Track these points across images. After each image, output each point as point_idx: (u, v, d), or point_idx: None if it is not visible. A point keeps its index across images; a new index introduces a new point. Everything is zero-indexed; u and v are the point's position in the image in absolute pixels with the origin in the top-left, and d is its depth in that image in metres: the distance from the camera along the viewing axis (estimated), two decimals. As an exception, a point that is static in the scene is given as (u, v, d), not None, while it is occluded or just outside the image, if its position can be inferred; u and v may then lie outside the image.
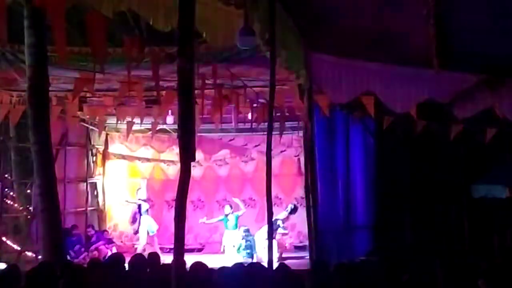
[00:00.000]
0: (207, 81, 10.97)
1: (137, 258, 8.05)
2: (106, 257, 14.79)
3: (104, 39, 6.36)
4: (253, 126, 13.73)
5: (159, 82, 9.59)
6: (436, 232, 14.42)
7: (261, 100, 12.68)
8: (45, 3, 6.49)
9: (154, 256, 8.55)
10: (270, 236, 8.48)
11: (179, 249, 5.11)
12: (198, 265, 7.40)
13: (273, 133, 9.08)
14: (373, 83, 11.06)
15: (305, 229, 15.93)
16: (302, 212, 16.57)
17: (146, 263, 7.93)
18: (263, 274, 7.11)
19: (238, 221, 16.83)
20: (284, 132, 15.17)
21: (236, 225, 16.74)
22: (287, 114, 14.05)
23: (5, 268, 8.11)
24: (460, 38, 9.91)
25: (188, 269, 6.76)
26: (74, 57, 10.59)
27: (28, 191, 16.51)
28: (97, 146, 18.25)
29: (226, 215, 16.85)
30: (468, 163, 14.61)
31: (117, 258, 8.14)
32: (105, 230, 17.56)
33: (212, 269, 7.38)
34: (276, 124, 12.24)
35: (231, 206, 17.08)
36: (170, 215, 17.30)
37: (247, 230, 16.62)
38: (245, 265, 7.61)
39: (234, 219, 16.77)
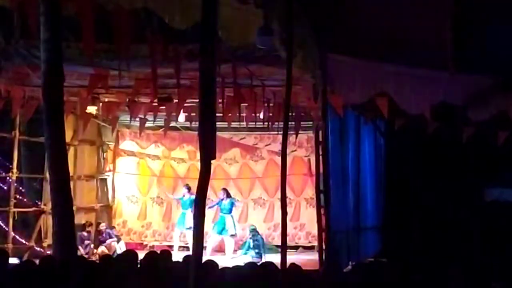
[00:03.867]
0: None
1: (150, 255, 8.06)
2: (115, 254, 14.87)
3: (128, 36, 6.33)
4: (265, 125, 13.71)
5: (179, 80, 9.56)
6: (446, 234, 14.39)
7: (276, 100, 12.67)
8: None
9: (166, 253, 8.58)
10: (284, 237, 8.40)
11: (198, 247, 5.11)
12: (210, 264, 7.39)
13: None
14: (387, 84, 11.06)
15: (314, 230, 15.96)
16: (311, 213, 16.59)
17: (159, 259, 7.94)
18: (275, 274, 7.08)
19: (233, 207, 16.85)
20: (295, 132, 15.16)
21: (230, 210, 16.67)
22: (302, 114, 14.02)
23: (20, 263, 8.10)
24: (476, 41, 9.90)
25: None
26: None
27: (38, 186, 16.54)
28: (107, 143, 18.28)
29: (221, 200, 16.72)
30: (480, 166, 14.57)
31: (130, 254, 8.14)
32: (113, 227, 17.59)
33: (224, 268, 7.38)
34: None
35: (225, 190, 17.00)
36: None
37: (254, 229, 16.57)
38: (258, 264, 7.59)
39: (229, 204, 16.69)
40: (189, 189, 16.85)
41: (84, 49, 7.91)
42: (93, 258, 14.58)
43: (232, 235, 16.53)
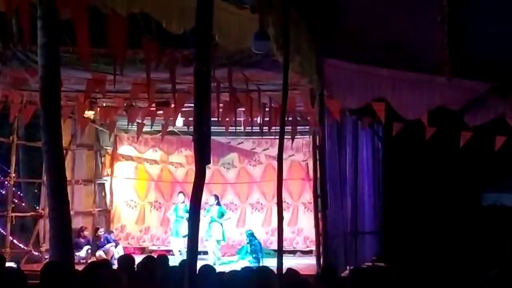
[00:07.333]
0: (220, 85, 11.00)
1: (147, 260, 8.06)
2: (113, 258, 14.85)
3: (124, 41, 6.34)
4: (263, 130, 13.71)
5: (175, 85, 9.58)
6: (443, 239, 14.41)
7: (272, 104, 12.69)
8: (67, 4, 6.47)
9: (163, 257, 8.58)
10: (281, 242, 8.40)
11: (193, 252, 5.11)
12: (206, 269, 7.40)
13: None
14: (384, 90, 11.10)
15: (311, 234, 15.94)
16: (309, 217, 16.59)
17: (156, 264, 7.94)
18: (272, 279, 7.07)
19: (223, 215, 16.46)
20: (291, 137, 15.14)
21: (221, 216, 16.31)
22: (298, 118, 14.03)
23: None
24: (473, 46, 9.93)
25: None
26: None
27: (36, 190, 16.54)
28: (105, 147, 18.29)
29: (210, 206, 16.30)
30: (477, 171, 14.59)
31: (128, 259, 8.14)
32: (112, 231, 17.59)
33: (221, 273, 7.38)
34: (286, 128, 12.23)
35: (216, 197, 16.69)
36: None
37: (252, 234, 16.52)
38: (254, 269, 7.59)
39: (218, 211, 16.29)
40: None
41: (79, 54, 7.91)
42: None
43: (217, 241, 16.24)
